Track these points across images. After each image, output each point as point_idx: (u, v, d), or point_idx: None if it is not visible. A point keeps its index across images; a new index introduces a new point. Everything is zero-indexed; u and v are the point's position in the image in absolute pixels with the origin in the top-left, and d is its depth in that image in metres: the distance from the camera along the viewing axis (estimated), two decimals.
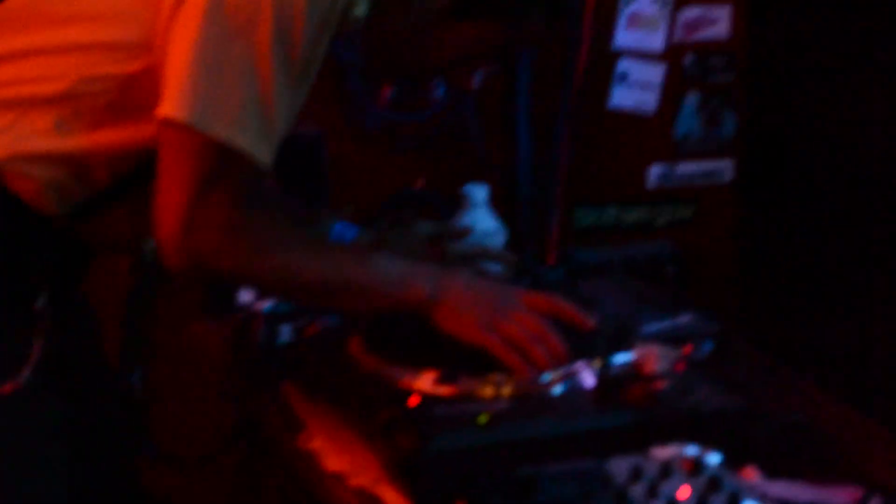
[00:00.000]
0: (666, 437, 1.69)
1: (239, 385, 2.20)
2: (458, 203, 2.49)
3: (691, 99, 3.07)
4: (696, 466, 1.61)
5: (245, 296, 2.37)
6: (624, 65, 3.00)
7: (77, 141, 1.86)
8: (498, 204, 2.82)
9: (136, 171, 1.88)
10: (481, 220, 2.43)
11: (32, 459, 1.87)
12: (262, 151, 1.82)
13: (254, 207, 1.85)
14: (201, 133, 1.78)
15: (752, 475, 1.79)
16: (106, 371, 2.15)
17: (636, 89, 3.01)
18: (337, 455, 1.86)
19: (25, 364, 1.82)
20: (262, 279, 1.92)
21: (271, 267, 1.88)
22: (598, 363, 1.85)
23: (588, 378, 1.85)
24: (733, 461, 1.71)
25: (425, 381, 1.83)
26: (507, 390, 1.82)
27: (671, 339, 2.13)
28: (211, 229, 1.81)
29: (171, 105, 1.78)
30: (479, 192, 2.44)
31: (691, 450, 1.64)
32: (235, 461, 2.78)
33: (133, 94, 1.85)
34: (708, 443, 1.67)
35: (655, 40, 3.01)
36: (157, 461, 2.77)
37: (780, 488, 1.76)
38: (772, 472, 1.80)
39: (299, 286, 1.91)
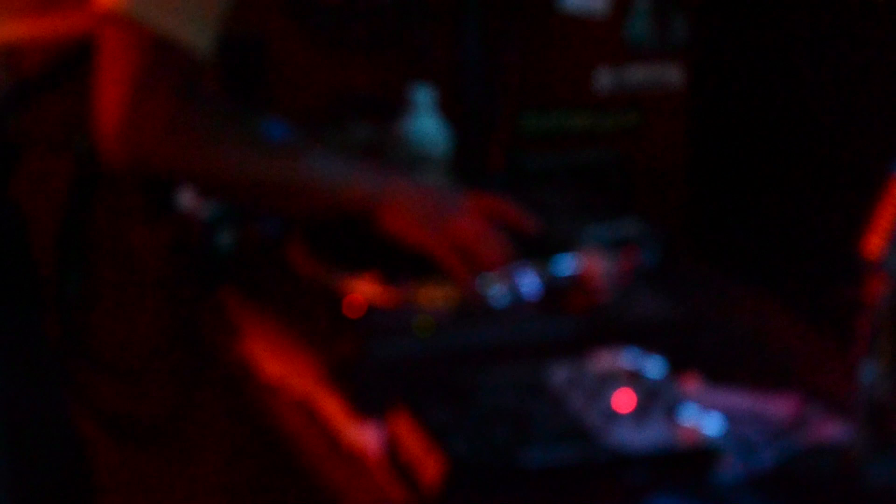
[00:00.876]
0: (607, 345, 1.68)
1: (178, 291, 2.17)
2: (401, 106, 2.46)
3: (642, 1, 3.04)
4: (636, 375, 1.60)
5: (185, 200, 2.34)
6: None
7: (2, 28, 1.83)
8: (443, 107, 2.79)
9: (68, 62, 1.84)
10: (425, 123, 2.40)
11: None
12: (203, 42, 1.80)
13: (195, 102, 1.83)
14: (141, 24, 1.75)
15: (692, 384, 1.79)
16: (39, 280, 2.11)
17: None
18: (275, 362, 1.84)
19: None
20: (203, 176, 1.89)
21: (212, 163, 1.86)
22: (541, 268, 1.83)
23: (531, 285, 1.83)
24: (674, 370, 1.71)
25: (366, 288, 1.81)
26: (448, 297, 1.80)
27: (615, 247, 2.11)
28: (153, 123, 1.78)
29: None
30: (423, 95, 2.41)
31: (631, 358, 1.63)
32: (173, 368, 2.76)
33: None
34: (649, 351, 1.66)
35: None
36: (93, 369, 2.74)
37: (720, 397, 1.75)
38: (713, 380, 1.80)
39: (239, 183, 1.89)
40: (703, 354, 1.87)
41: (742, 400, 1.76)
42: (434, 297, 1.79)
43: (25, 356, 1.97)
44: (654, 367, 1.62)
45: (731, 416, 1.68)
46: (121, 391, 2.77)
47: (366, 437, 1.64)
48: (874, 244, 1.50)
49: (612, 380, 1.59)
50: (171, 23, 1.76)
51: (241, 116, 1.98)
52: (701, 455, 1.49)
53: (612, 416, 1.51)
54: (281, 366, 1.83)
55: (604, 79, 2.99)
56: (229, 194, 1.98)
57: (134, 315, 2.72)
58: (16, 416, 1.88)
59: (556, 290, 1.82)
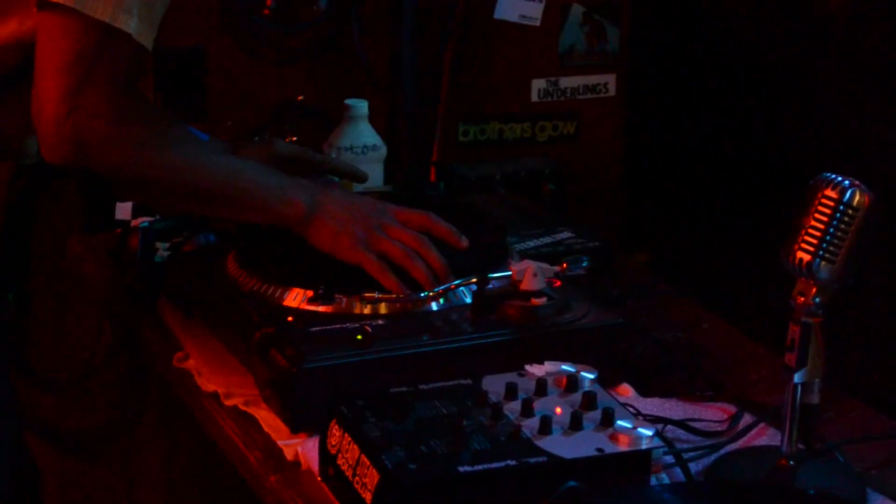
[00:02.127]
0: (541, 354, 1.70)
1: (116, 303, 2.17)
2: (338, 117, 2.47)
3: (576, 11, 3.06)
4: (571, 384, 1.62)
5: (123, 212, 2.34)
6: None
7: None
8: (380, 118, 2.80)
9: (18, 67, 1.83)
10: (362, 134, 2.41)
11: None
12: (144, 34, 1.78)
13: (137, 96, 1.81)
14: (83, 15, 1.74)
15: (626, 392, 1.81)
16: None
17: (522, 0, 2.98)
18: (213, 374, 1.84)
19: None
20: (145, 175, 1.84)
21: (156, 163, 1.82)
22: (474, 280, 1.84)
23: (465, 295, 1.84)
24: (608, 378, 1.73)
25: (301, 299, 1.82)
26: (383, 307, 1.81)
27: (549, 255, 2.14)
28: (95, 115, 1.75)
29: None
30: (359, 107, 2.42)
31: (566, 367, 1.65)
32: (113, 381, 2.75)
33: None
34: (584, 360, 1.68)
35: None
36: (32, 382, 2.74)
37: (653, 405, 1.78)
38: (646, 389, 1.82)
39: (179, 185, 1.86)
40: (636, 362, 1.90)
41: (675, 409, 1.78)
42: (369, 307, 1.81)
43: None
44: (588, 375, 1.63)
45: (664, 424, 1.71)
46: (61, 404, 2.77)
47: (303, 449, 1.65)
48: (801, 252, 1.52)
49: (548, 389, 1.61)
50: (108, 11, 1.74)
51: (178, 120, 1.97)
52: (634, 461, 1.51)
53: (548, 424, 1.52)
54: (219, 378, 1.83)
55: (539, 87, 3.01)
56: (166, 195, 1.93)
57: (72, 328, 2.72)
58: None
59: (489, 300, 1.83)
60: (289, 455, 1.66)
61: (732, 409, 1.78)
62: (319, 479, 1.58)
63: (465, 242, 1.91)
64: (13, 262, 2.69)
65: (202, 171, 1.87)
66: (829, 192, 1.51)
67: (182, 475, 2.74)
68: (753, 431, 1.72)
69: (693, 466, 1.62)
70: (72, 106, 1.74)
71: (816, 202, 1.52)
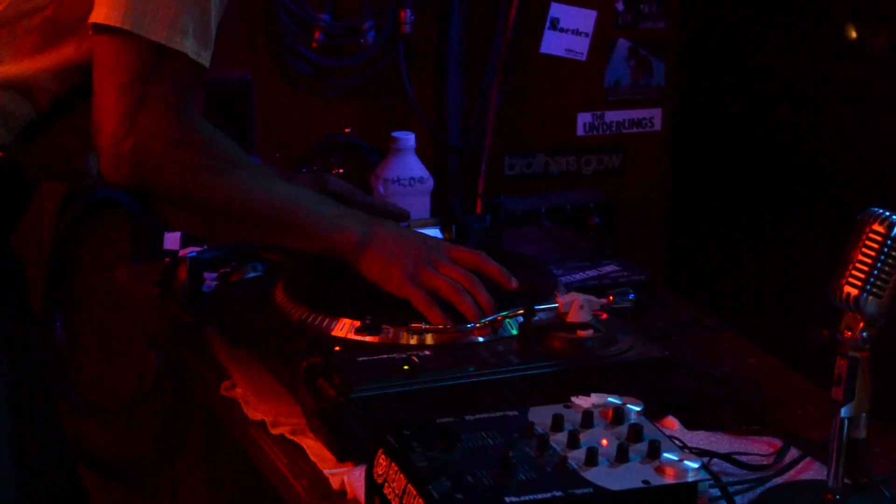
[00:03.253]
0: (588, 386, 1.70)
1: (163, 333, 2.19)
2: (385, 150, 2.48)
3: (622, 46, 3.07)
4: (617, 416, 1.62)
5: (171, 242, 2.36)
6: (556, 10, 2.99)
7: (18, 66, 1.82)
8: (427, 151, 2.82)
9: (78, 88, 1.84)
10: (409, 166, 2.42)
11: None
12: (201, 53, 1.79)
13: (195, 118, 1.81)
14: (138, 36, 1.74)
15: (671, 425, 1.81)
16: (35, 322, 2.10)
17: (568, 35, 3.00)
18: (260, 403, 1.85)
19: None
20: (200, 198, 1.84)
21: (211, 185, 1.82)
22: (520, 312, 1.84)
23: (511, 327, 1.85)
24: (654, 411, 1.73)
25: (348, 329, 1.83)
26: (429, 338, 1.82)
27: (595, 288, 2.14)
28: (153, 136, 1.75)
29: (106, 11, 1.74)
30: (407, 139, 2.44)
31: (612, 399, 1.65)
32: (159, 410, 2.77)
33: (67, 10, 1.81)
34: (629, 392, 1.68)
35: None
36: (79, 411, 2.75)
37: (698, 438, 1.77)
38: (692, 422, 1.82)
39: (235, 211, 1.86)
40: (682, 396, 1.90)
41: (721, 441, 1.78)
42: (416, 338, 1.81)
43: (29, 401, 1.95)
44: (634, 408, 1.63)
45: (709, 457, 1.70)
46: (107, 433, 2.79)
47: (349, 477, 1.66)
48: (848, 287, 1.52)
49: (594, 421, 1.61)
50: (164, 32, 1.75)
51: (234, 142, 1.98)
52: (680, 493, 1.51)
53: (594, 455, 1.53)
54: (266, 406, 1.84)
55: (585, 121, 3.02)
56: (219, 221, 1.91)
57: (119, 357, 2.74)
58: (23, 452, 1.87)
59: (536, 332, 1.83)
60: (335, 484, 1.66)
61: (778, 443, 1.78)
62: None
63: (514, 283, 1.91)
64: (62, 291, 2.71)
65: (257, 196, 1.87)
66: (876, 227, 1.51)
67: (227, 502, 2.75)
68: (799, 465, 1.72)
69: (739, 500, 1.62)
70: (129, 127, 1.74)
71: (864, 237, 1.52)
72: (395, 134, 2.45)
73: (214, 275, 2.24)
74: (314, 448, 1.73)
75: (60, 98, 1.85)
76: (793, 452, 1.75)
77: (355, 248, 1.88)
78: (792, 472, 1.71)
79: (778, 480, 1.68)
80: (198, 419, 2.74)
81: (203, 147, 1.82)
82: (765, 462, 1.73)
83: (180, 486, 2.83)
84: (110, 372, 2.79)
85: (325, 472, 1.69)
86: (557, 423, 1.60)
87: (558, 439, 1.57)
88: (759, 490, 1.66)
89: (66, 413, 2.75)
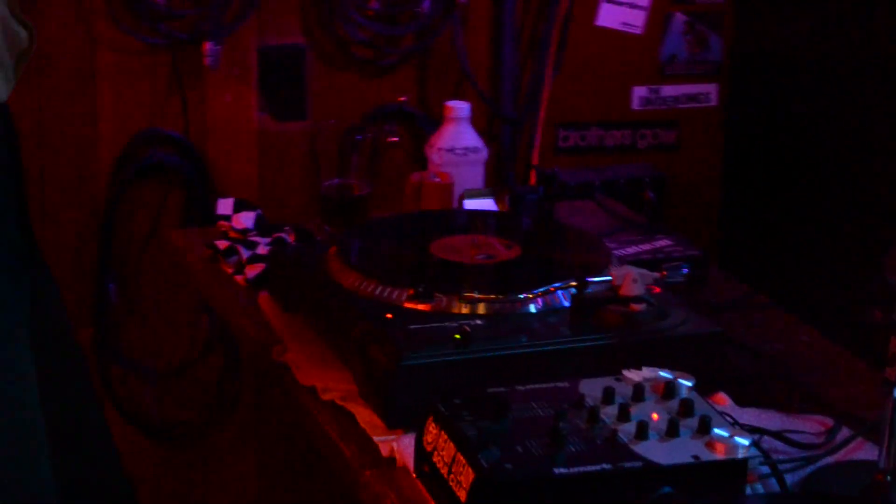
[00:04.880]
0: (639, 360, 1.69)
1: (216, 297, 2.20)
2: (439, 119, 2.48)
3: (678, 20, 3.06)
4: (668, 390, 1.61)
5: (224, 207, 2.37)
6: None
7: None
8: (482, 121, 2.81)
9: None
10: (463, 136, 2.42)
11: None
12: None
13: None
14: None
15: (722, 401, 1.80)
16: (66, 321, 2.07)
17: (624, 8, 2.98)
18: (310, 369, 1.86)
19: None
20: None
21: None
22: (573, 283, 1.84)
23: (564, 298, 1.85)
24: (705, 387, 1.72)
25: (401, 297, 1.83)
26: (482, 307, 1.82)
27: (648, 262, 2.13)
28: None
29: None
30: (462, 109, 2.43)
31: (663, 373, 1.64)
32: (210, 373, 2.78)
33: None
34: (681, 367, 1.67)
35: None
36: (132, 374, 2.77)
37: (749, 415, 1.77)
38: (743, 399, 1.81)
39: None
40: (733, 372, 1.89)
41: (771, 419, 1.77)
42: (468, 307, 1.81)
43: (59, 359, 1.95)
44: (685, 382, 1.63)
45: (760, 434, 1.70)
46: (157, 395, 2.80)
47: (398, 445, 1.66)
48: None
49: (645, 395, 1.61)
50: None
51: None
52: (730, 470, 1.50)
53: (644, 429, 1.52)
54: (316, 372, 1.84)
55: (640, 95, 3.00)
56: None
57: (171, 320, 2.75)
58: (54, 413, 1.87)
59: (588, 304, 1.83)
60: (384, 451, 1.66)
61: (830, 422, 1.76)
62: (414, 475, 1.59)
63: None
64: (115, 256, 2.73)
65: None
66: None
67: (274, 467, 2.76)
68: (851, 445, 1.71)
69: (789, 478, 1.61)
70: None
71: None
72: (449, 103, 2.45)
73: (267, 240, 2.25)
74: (364, 415, 1.74)
75: None
76: (844, 432, 1.73)
77: None
78: (843, 451, 1.70)
79: (829, 460, 1.67)
80: (249, 383, 2.75)
81: None
82: (816, 441, 1.72)
83: (230, 449, 2.84)
84: (163, 336, 2.80)
85: (375, 438, 1.69)
86: (608, 396, 1.59)
87: (609, 412, 1.57)
88: (809, 469, 1.65)
89: (117, 373, 2.77)
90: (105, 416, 2.14)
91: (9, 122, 1.86)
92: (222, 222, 2.32)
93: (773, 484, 1.59)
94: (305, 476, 2.57)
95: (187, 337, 2.78)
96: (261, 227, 2.30)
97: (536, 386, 1.63)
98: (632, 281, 1.84)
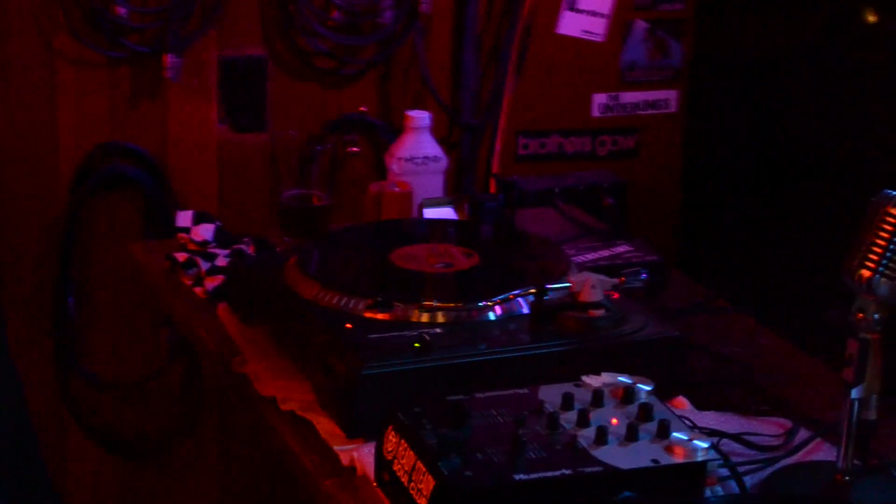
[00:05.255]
0: (599, 366, 1.69)
1: (175, 309, 2.19)
2: (400, 128, 2.48)
3: (639, 27, 3.06)
4: (627, 395, 1.61)
5: (183, 219, 2.36)
6: None
7: None
8: (441, 130, 2.82)
9: None
10: (423, 145, 2.42)
11: None
12: None
13: None
14: None
15: (682, 405, 1.81)
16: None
17: (585, 15, 2.99)
18: (270, 380, 1.85)
19: None
20: None
21: None
22: (532, 290, 1.84)
23: (522, 305, 1.85)
24: (664, 391, 1.73)
25: (361, 307, 1.83)
26: (441, 316, 1.82)
27: (607, 268, 2.14)
28: None
29: None
30: (421, 118, 2.43)
31: (622, 378, 1.65)
32: (172, 386, 2.77)
33: None
34: (640, 372, 1.68)
35: None
36: (92, 387, 2.76)
37: (709, 419, 1.77)
38: (702, 403, 1.82)
39: None
40: (692, 376, 1.89)
41: (731, 421, 1.78)
42: (427, 316, 1.81)
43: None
44: (644, 387, 1.63)
45: (719, 437, 1.70)
46: (119, 408, 2.79)
47: (359, 454, 1.66)
48: (861, 268, 1.52)
49: (604, 400, 1.61)
50: None
51: None
52: (689, 473, 1.51)
53: (604, 434, 1.52)
54: (276, 382, 1.84)
55: (600, 102, 3.01)
56: None
57: (132, 333, 2.74)
58: None
59: (547, 311, 1.83)
60: (345, 460, 1.66)
61: (788, 423, 1.77)
62: (375, 484, 1.59)
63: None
64: (74, 267, 2.72)
65: None
66: (891, 210, 1.51)
67: (238, 479, 2.75)
68: (809, 446, 1.71)
69: (748, 480, 1.61)
70: None
71: (878, 219, 1.51)
72: (409, 112, 2.45)
73: (227, 251, 2.25)
74: (324, 424, 1.73)
75: None
76: (803, 433, 1.74)
77: None
78: (802, 452, 1.70)
79: (788, 461, 1.68)
80: (210, 395, 2.75)
81: None
82: (775, 443, 1.72)
83: (192, 461, 2.83)
84: (123, 348, 2.79)
85: (335, 448, 1.69)
86: (567, 402, 1.60)
87: (568, 418, 1.57)
88: (768, 470, 1.66)
89: (78, 387, 2.76)
90: (37, 438, 2.11)
91: None
92: (182, 234, 2.32)
93: (733, 486, 1.59)
94: (269, 486, 2.57)
95: (148, 349, 2.77)
96: (220, 238, 2.29)
97: (496, 393, 1.63)
98: (591, 287, 1.85)
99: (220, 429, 2.75)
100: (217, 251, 2.25)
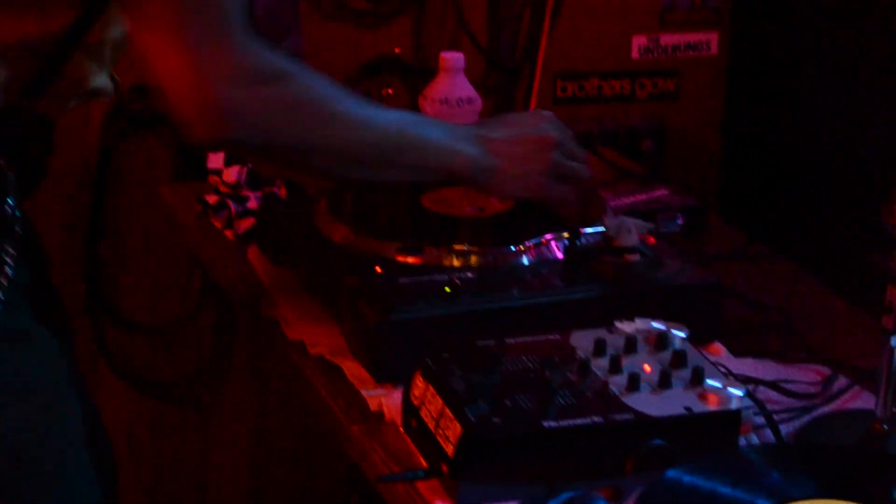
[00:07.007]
0: (633, 311, 1.66)
1: (206, 251, 2.17)
2: (435, 70, 2.44)
3: None
4: (661, 341, 1.58)
5: (214, 161, 2.34)
6: None
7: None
8: (478, 72, 2.78)
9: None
10: (457, 87, 2.38)
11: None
12: None
13: (260, 48, 1.58)
14: None
15: (718, 352, 1.77)
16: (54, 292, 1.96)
17: None
18: (299, 324, 1.83)
19: (1, 284, 1.56)
20: (311, 137, 1.63)
21: (322, 118, 1.62)
22: (566, 235, 1.81)
23: (556, 250, 1.82)
24: (701, 338, 1.69)
25: (391, 250, 1.80)
26: (473, 260, 1.79)
27: (644, 212, 2.10)
28: (230, 79, 1.53)
29: None
30: (455, 59, 2.39)
31: (656, 325, 1.61)
32: (202, 329, 2.76)
33: None
34: (675, 318, 1.64)
35: None
36: (124, 329, 2.75)
37: (745, 366, 1.74)
38: (739, 350, 1.79)
39: (353, 146, 1.65)
40: (730, 322, 1.86)
41: (768, 368, 1.75)
42: (459, 260, 1.78)
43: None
44: (678, 333, 1.60)
45: (755, 384, 1.67)
46: (151, 351, 2.78)
47: (387, 399, 1.63)
48: None
49: (637, 346, 1.58)
50: None
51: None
52: (723, 421, 1.48)
53: (636, 381, 1.49)
54: (305, 327, 1.82)
55: (640, 44, 2.97)
56: (335, 161, 1.67)
57: (163, 276, 2.73)
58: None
59: (581, 255, 1.80)
60: (372, 406, 1.64)
61: (827, 371, 1.74)
62: (402, 430, 1.56)
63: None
64: (106, 209, 2.70)
65: (367, 131, 1.67)
66: None
67: (269, 423, 2.75)
68: (847, 394, 1.68)
69: (784, 428, 1.58)
70: (197, 78, 1.53)
71: None
72: (443, 54, 2.40)
73: (258, 194, 2.22)
74: (352, 369, 1.71)
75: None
76: (841, 381, 1.71)
77: (478, 171, 1.75)
78: (839, 400, 1.67)
79: (825, 409, 1.65)
80: (242, 338, 2.73)
81: (296, 72, 1.63)
82: (812, 390, 1.69)
83: (226, 404, 2.82)
84: (155, 292, 2.78)
85: (363, 393, 1.66)
86: (599, 348, 1.57)
87: (600, 364, 1.54)
88: (805, 418, 1.63)
89: (110, 330, 2.75)
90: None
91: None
92: (213, 176, 2.29)
93: (769, 435, 1.56)
94: (302, 430, 2.56)
95: (181, 292, 2.76)
96: (252, 181, 2.27)
97: (527, 339, 1.60)
98: (626, 231, 1.82)
99: (252, 371, 2.74)
100: (248, 193, 2.22)
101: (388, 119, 1.72)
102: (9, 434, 1.55)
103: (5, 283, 1.56)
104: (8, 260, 1.57)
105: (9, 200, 1.59)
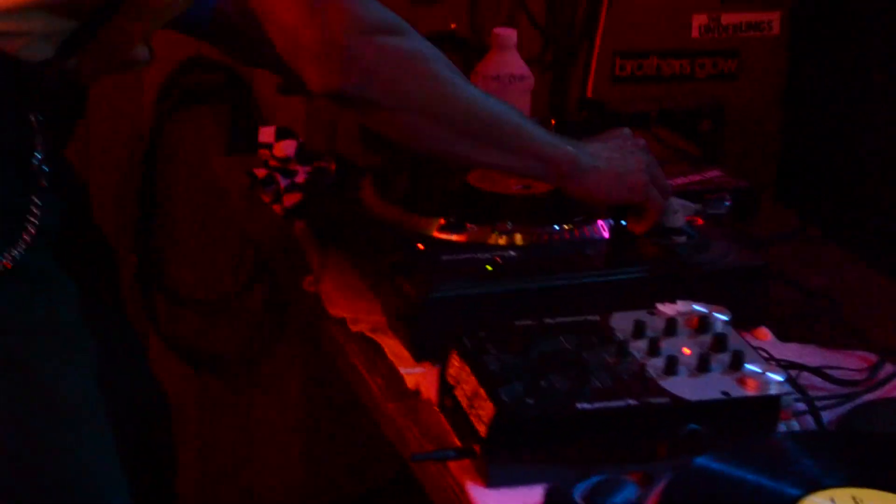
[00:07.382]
0: (678, 293, 1.64)
1: (253, 225, 2.17)
2: (487, 46, 2.42)
3: None
4: (702, 324, 1.56)
5: (265, 135, 2.34)
6: None
7: None
8: (535, 49, 2.76)
9: None
10: (509, 64, 2.36)
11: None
12: None
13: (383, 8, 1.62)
14: None
15: (765, 336, 1.75)
16: (102, 242, 2.00)
17: None
18: (341, 300, 1.83)
19: (26, 229, 1.61)
20: (424, 95, 1.63)
21: (436, 77, 1.63)
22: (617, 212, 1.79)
23: (602, 230, 1.80)
24: (745, 321, 1.67)
25: (433, 227, 1.78)
26: (517, 238, 1.77)
27: (696, 193, 2.07)
28: (362, 25, 1.56)
29: None
30: (508, 36, 2.37)
31: (698, 307, 1.59)
32: (253, 305, 2.76)
33: None
34: (721, 301, 1.62)
35: None
36: (173, 304, 2.76)
37: (790, 351, 1.71)
38: (786, 334, 1.76)
39: (462, 114, 1.64)
40: (777, 306, 1.83)
41: (813, 354, 1.72)
42: (502, 238, 1.77)
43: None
44: (720, 317, 1.58)
45: (799, 370, 1.64)
46: (202, 326, 2.79)
47: (424, 378, 1.62)
48: None
49: (677, 328, 1.56)
50: None
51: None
52: (761, 406, 1.46)
53: (674, 364, 1.47)
54: (347, 303, 1.81)
55: (700, 23, 2.93)
56: (435, 128, 1.66)
57: (215, 251, 2.73)
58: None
59: (628, 236, 1.78)
60: (410, 384, 1.63)
61: (873, 358, 1.71)
62: (437, 409, 1.55)
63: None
64: (158, 182, 2.71)
65: (476, 104, 1.67)
66: None
67: (317, 399, 2.75)
68: (893, 382, 1.65)
69: (827, 415, 1.55)
70: (322, 22, 1.55)
71: None
72: (496, 30, 2.39)
73: (307, 168, 2.22)
74: (392, 347, 1.70)
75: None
76: (888, 368, 1.68)
77: (579, 168, 1.72)
78: (885, 388, 1.64)
79: (869, 397, 1.62)
80: (293, 314, 2.73)
81: (405, 33, 1.65)
82: (857, 377, 1.66)
83: (274, 379, 2.82)
84: (206, 264, 2.78)
85: (402, 370, 1.66)
86: (639, 330, 1.55)
87: (638, 346, 1.52)
88: (848, 406, 1.60)
89: (162, 305, 2.76)
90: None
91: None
92: (263, 150, 2.29)
93: (811, 421, 1.53)
94: (348, 406, 2.55)
95: (232, 266, 2.76)
96: (302, 155, 2.26)
97: (565, 319, 1.58)
98: (672, 212, 1.79)
99: (300, 347, 2.74)
100: (297, 168, 2.22)
101: (493, 100, 1.71)
102: (22, 364, 1.59)
103: (32, 231, 1.61)
104: (34, 210, 1.62)
105: (36, 154, 1.63)
